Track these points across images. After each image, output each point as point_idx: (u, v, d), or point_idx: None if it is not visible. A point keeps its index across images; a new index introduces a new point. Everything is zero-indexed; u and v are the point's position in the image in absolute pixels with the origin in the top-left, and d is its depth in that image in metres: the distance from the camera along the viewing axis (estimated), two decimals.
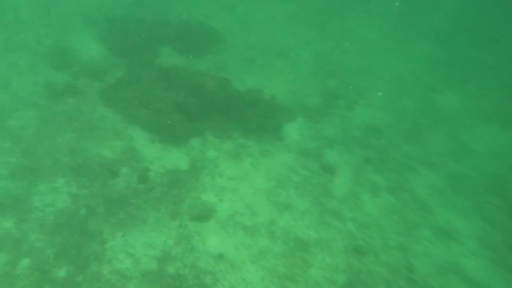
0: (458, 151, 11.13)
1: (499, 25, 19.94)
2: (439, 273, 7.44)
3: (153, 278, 6.33)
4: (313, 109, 11.92)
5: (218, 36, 15.32)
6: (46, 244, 6.65)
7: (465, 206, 9.24)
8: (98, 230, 7.08)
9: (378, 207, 8.66)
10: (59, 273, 6.22)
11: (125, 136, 9.42)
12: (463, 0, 21.73)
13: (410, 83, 14.37)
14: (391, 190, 9.25)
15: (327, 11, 19.49)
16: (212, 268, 6.63)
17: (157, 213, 7.60)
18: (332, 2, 20.74)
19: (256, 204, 8.13)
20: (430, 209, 8.97)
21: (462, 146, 11.36)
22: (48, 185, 7.80)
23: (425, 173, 10.05)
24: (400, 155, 10.51)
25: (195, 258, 6.76)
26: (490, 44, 18.18)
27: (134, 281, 6.25)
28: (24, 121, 9.22)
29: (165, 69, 12.17)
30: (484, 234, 8.53)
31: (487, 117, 12.85)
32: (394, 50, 16.70)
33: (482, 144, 11.52)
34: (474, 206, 9.25)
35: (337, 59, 15.35)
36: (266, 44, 15.57)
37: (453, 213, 8.98)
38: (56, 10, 15.00)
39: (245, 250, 7.05)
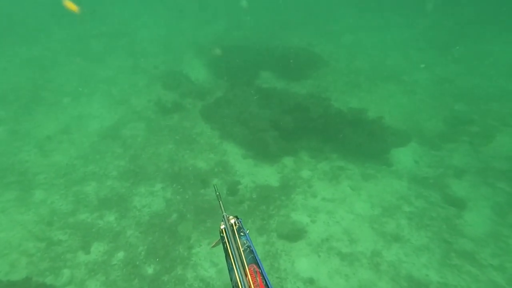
0: None
1: None
2: None
3: None
4: (432, 135, 10.70)
5: (320, 61, 15.71)
6: (139, 241, 7.34)
7: None
8: (186, 236, 7.48)
9: None
10: (148, 270, 6.70)
11: (219, 150, 10.10)
12: None
13: None
14: None
15: (454, 34, 18.20)
16: None
17: (244, 226, 7.64)
18: (461, 24, 19.39)
19: (355, 231, 7.40)
20: None
21: None
22: (147, 188, 8.79)
23: None
24: None
25: (282, 278, 6.41)
26: None
27: None
28: (135, 131, 10.89)
29: (264, 90, 12.93)
30: None
31: None
32: None
33: None
34: None
35: (468, 82, 13.67)
36: (373, 68, 15.22)
37: None
38: (174, 41, 18.12)
39: (341, 279, 6.34)
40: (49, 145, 10.22)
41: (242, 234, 1.74)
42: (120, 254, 7.04)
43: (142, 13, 23.17)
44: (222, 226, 1.75)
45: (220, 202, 2.13)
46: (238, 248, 1.63)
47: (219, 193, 2.28)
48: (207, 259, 6.90)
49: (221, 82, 13.86)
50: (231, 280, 1.55)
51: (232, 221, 1.80)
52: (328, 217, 7.78)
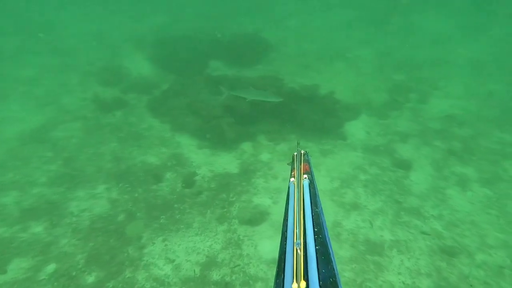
0: None
1: None
2: None
3: (195, 285, 5.65)
4: (379, 105, 11.06)
5: (269, 47, 15.47)
6: (77, 249, 6.37)
7: None
8: (137, 235, 6.71)
9: (470, 202, 7.49)
10: (88, 279, 5.82)
11: (171, 143, 9.36)
12: None
13: (493, 67, 13.48)
14: (485, 182, 8.03)
15: (387, 12, 19.29)
16: (265, 274, 5.73)
17: (203, 217, 7.08)
18: (391, 2, 20.53)
19: None
20: None
21: None
22: (87, 191, 7.80)
23: None
24: (492, 143, 9.39)
25: (244, 264, 5.96)
26: None
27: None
28: (69, 133, 9.73)
29: (214, 78, 12.28)
30: None
31: None
32: (469, 37, 16.07)
33: None
34: None
35: (403, 54, 14.77)
36: (320, 49, 15.46)
37: None
38: (110, 36, 16.73)
39: None
40: None
41: (306, 158, 2.31)
42: (51, 267, 5.99)
43: (68, 6, 21.19)
44: (295, 154, 2.37)
45: (298, 147, 2.71)
46: (300, 160, 2.20)
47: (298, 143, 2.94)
48: (162, 256, 6.21)
49: (168, 74, 13.02)
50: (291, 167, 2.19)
51: (302, 152, 2.43)
52: None
